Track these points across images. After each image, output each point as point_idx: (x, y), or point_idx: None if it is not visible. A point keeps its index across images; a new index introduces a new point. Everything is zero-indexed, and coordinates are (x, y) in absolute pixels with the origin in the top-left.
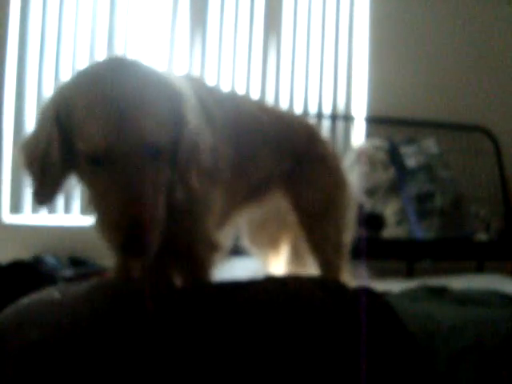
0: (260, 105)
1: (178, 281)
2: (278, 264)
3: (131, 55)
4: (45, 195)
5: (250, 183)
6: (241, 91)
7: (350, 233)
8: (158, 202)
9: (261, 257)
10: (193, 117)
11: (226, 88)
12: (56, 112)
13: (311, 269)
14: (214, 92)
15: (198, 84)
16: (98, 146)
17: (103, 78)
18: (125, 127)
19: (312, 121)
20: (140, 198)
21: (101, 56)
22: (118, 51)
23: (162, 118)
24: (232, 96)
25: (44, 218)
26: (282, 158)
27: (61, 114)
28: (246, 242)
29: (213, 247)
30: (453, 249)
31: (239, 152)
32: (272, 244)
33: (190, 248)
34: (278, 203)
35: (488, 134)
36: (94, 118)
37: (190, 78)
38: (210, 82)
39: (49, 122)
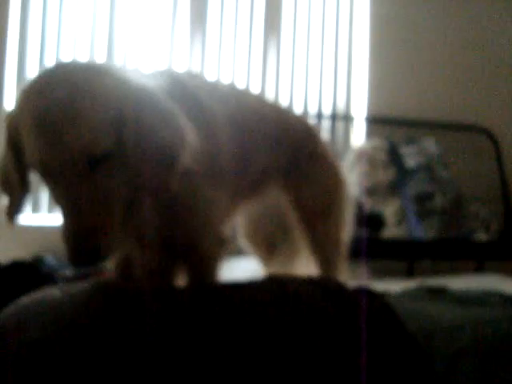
0: (260, 99)
1: (182, 280)
2: (276, 263)
3: (81, 59)
4: (12, 212)
5: (249, 178)
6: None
7: (347, 231)
8: (108, 209)
9: (258, 256)
10: (142, 116)
11: (226, 83)
12: (8, 131)
13: (309, 268)
14: (215, 88)
15: (197, 81)
16: (34, 161)
17: (36, 93)
18: (56, 142)
19: (312, 121)
20: (82, 210)
21: (79, 57)
22: (118, 52)
23: (98, 125)
24: (234, 91)
25: (44, 218)
26: (281, 153)
27: (12, 133)
28: (243, 242)
29: (219, 242)
30: (453, 249)
31: (241, 147)
32: (270, 243)
33: (196, 244)
34: (276, 201)
35: (488, 134)
36: (29, 134)
37: (190, 76)
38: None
39: (5, 143)
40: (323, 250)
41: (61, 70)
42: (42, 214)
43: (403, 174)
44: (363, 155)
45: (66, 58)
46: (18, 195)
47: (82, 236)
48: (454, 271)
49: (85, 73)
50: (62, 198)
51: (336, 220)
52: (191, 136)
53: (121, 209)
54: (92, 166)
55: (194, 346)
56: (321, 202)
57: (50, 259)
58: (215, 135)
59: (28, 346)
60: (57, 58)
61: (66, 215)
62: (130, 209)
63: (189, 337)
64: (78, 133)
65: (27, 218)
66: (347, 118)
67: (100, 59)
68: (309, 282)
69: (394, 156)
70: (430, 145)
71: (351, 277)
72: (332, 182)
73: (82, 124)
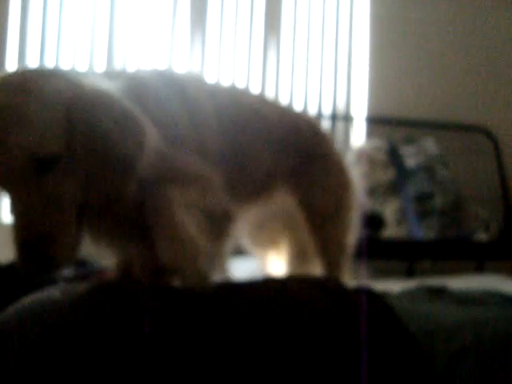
0: (262, 99)
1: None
2: (279, 264)
3: (33, 65)
4: None
5: (252, 180)
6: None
7: (353, 233)
8: (60, 215)
9: (261, 257)
10: (93, 120)
11: (226, 83)
12: None
13: (312, 269)
14: (208, 87)
15: (194, 82)
16: None
17: None
18: (2, 147)
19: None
20: (30, 216)
21: (92, 59)
22: (118, 52)
23: (42, 127)
24: (233, 91)
25: None
26: (286, 154)
27: None
28: (246, 242)
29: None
30: (452, 249)
31: (237, 144)
32: (273, 244)
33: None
34: (281, 202)
35: (488, 134)
36: None
37: (189, 77)
38: (210, 80)
39: None
40: (328, 251)
41: (7, 76)
42: None
43: (403, 174)
44: (363, 155)
45: (65, 60)
46: None
47: (30, 243)
48: (454, 271)
49: (31, 76)
50: (11, 203)
51: (343, 222)
52: (150, 139)
53: (76, 214)
54: (40, 171)
55: (194, 346)
56: (328, 204)
57: None
58: (200, 125)
59: (29, 346)
60: (57, 58)
61: (15, 221)
62: (91, 214)
63: (189, 336)
64: (21, 135)
65: None
66: (347, 118)
67: (100, 59)
68: (309, 281)
69: (393, 156)
70: (430, 145)
71: (351, 277)
72: (339, 183)
73: (26, 126)
